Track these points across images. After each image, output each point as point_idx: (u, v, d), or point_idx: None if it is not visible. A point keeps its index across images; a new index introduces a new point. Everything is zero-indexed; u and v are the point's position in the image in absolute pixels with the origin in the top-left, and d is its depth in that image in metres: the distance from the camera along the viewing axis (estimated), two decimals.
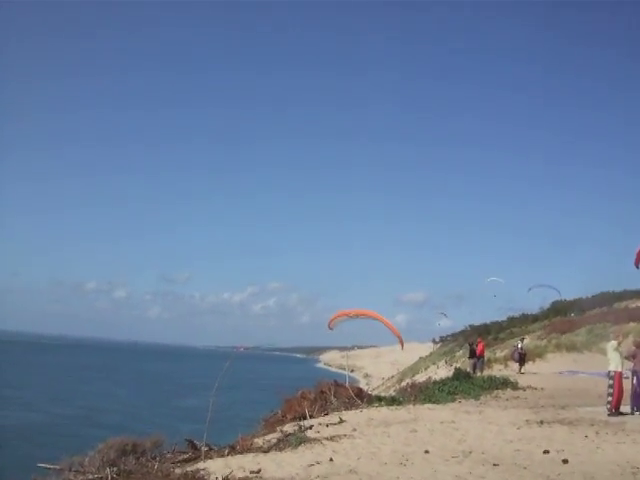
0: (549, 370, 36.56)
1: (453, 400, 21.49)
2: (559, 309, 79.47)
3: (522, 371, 33.70)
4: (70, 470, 9.03)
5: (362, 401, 22.36)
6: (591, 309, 67.70)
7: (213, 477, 9.65)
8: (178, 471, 9.96)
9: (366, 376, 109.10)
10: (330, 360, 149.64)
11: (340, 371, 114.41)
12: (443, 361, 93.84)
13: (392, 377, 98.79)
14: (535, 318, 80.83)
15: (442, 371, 79.77)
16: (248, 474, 10.42)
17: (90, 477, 8.64)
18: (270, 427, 19.19)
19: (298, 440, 13.73)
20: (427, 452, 11.83)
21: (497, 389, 24.68)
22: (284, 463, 11.77)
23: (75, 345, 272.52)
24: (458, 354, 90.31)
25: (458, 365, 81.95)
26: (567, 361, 41.46)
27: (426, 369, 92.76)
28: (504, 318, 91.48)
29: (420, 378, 75.05)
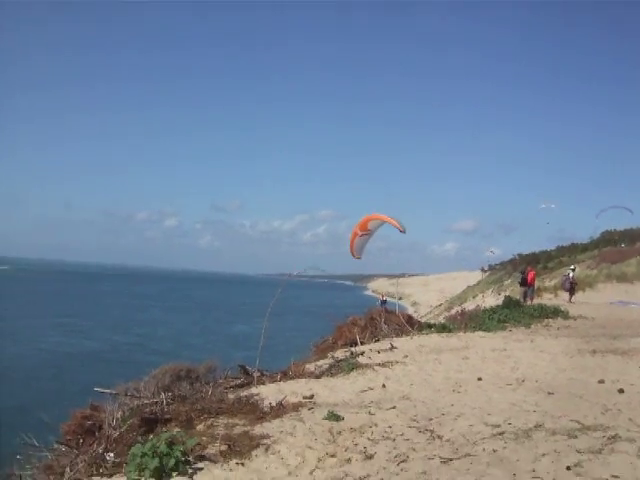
0: (599, 300, 36.11)
1: (504, 328, 21.37)
2: (609, 239, 78.01)
3: (572, 300, 33.32)
4: (126, 394, 9.26)
5: (412, 328, 22.45)
6: None
7: (267, 402, 9.81)
8: (231, 396, 10.14)
9: (414, 304, 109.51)
10: (378, 287, 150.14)
11: (388, 299, 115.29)
12: (491, 290, 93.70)
13: (440, 305, 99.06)
14: (584, 248, 79.64)
15: (490, 299, 79.73)
16: (301, 399, 10.59)
17: (145, 401, 8.85)
18: (321, 353, 19.48)
19: (350, 366, 13.89)
20: (480, 379, 11.84)
21: (548, 318, 24.44)
22: (337, 389, 11.95)
23: (129, 274, 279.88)
24: (506, 283, 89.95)
25: (507, 294, 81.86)
26: (618, 291, 40.90)
27: (474, 297, 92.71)
28: (553, 247, 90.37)
29: (468, 306, 75.35)
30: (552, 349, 15.88)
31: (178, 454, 6.72)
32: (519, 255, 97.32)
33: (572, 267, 37.20)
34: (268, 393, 11.20)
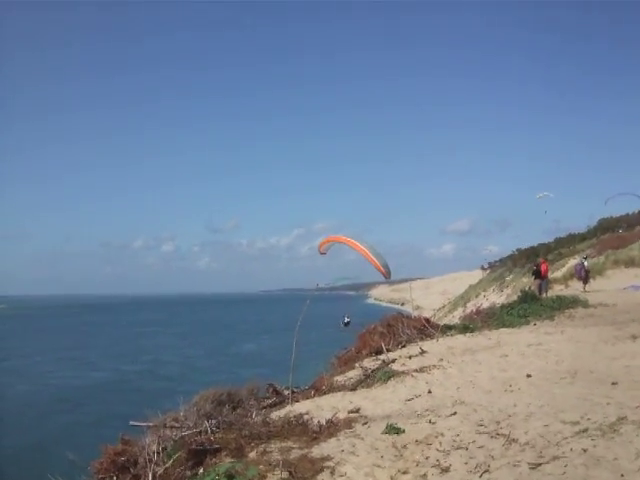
0: (611, 287, 35.51)
1: (527, 323, 20.78)
2: (607, 226, 78.00)
3: (587, 289, 32.72)
4: (165, 426, 8.56)
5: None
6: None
7: (315, 420, 9.13)
8: (275, 417, 9.47)
9: (417, 308, 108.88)
10: (380, 295, 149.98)
11: (391, 305, 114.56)
12: (493, 287, 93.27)
13: (443, 307, 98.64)
14: (583, 237, 79.58)
15: (493, 296, 79.35)
16: (347, 414, 9.93)
17: (187, 432, 8.15)
18: (345, 365, 18.81)
19: (386, 375, 13.23)
20: (529, 376, 11.21)
21: (568, 308, 23.82)
22: (379, 399, 11.29)
23: (129, 303, 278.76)
24: (508, 279, 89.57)
25: (508, 290, 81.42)
26: (628, 277, 40.25)
27: (477, 296, 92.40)
28: (551, 239, 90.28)
29: (471, 306, 74.75)
30: (587, 338, 15.30)
31: None
32: (518, 250, 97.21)
33: (584, 256, 36.65)
34: (307, 410, 10.56)
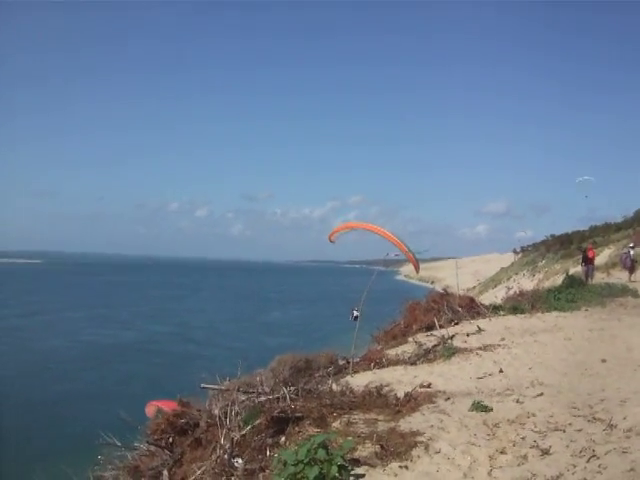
0: None
1: (578, 308, 20.21)
2: None
3: (632, 279, 31.81)
4: (239, 390, 8.23)
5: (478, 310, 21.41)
6: None
7: (392, 393, 8.77)
8: (357, 388, 9.07)
9: (447, 287, 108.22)
10: (410, 272, 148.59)
11: (421, 283, 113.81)
12: (525, 271, 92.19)
13: (474, 288, 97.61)
14: (618, 227, 78.12)
15: (524, 281, 78.35)
16: (420, 389, 9.56)
17: (263, 398, 7.83)
18: (393, 339, 18.49)
19: (449, 351, 12.86)
20: (604, 361, 10.78)
21: (617, 297, 23.19)
22: (447, 375, 10.94)
23: (161, 265, 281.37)
24: (540, 264, 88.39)
25: (541, 275, 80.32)
26: None
27: (508, 279, 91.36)
28: (586, 227, 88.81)
29: (501, 289, 73.86)
30: None
31: (339, 460, 5.72)
32: (552, 236, 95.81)
33: (631, 244, 35.60)
34: (369, 382, 10.21)
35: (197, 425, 9.61)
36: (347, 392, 8.32)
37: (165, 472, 8.87)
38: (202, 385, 9.02)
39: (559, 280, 52.79)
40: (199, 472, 7.11)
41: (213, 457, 7.19)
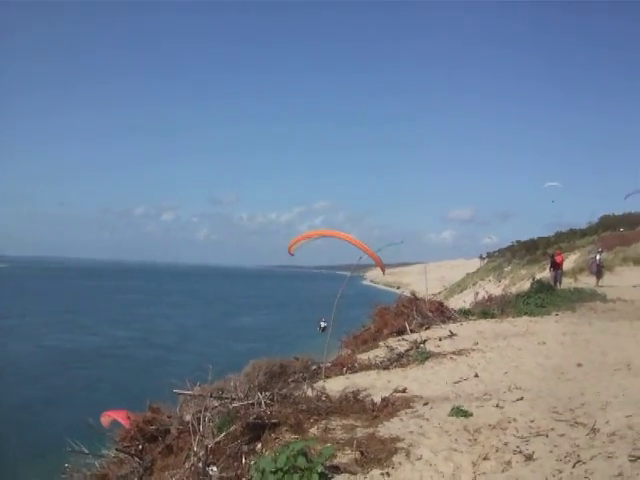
0: (621, 283, 35.03)
1: (548, 313, 20.25)
2: (608, 224, 77.55)
3: (600, 284, 32.16)
4: (211, 396, 7.95)
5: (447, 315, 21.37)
6: None
7: (369, 399, 8.57)
8: (335, 393, 8.84)
9: (414, 292, 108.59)
10: (376, 277, 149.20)
11: (387, 288, 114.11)
12: (491, 276, 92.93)
13: (439, 293, 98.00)
14: (583, 233, 79.14)
15: (490, 286, 78.87)
16: (394, 394, 9.37)
17: (237, 404, 7.56)
18: (364, 343, 18.31)
19: (423, 356, 12.71)
20: (580, 365, 10.72)
21: (587, 301, 23.33)
22: (422, 380, 10.79)
23: (127, 270, 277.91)
24: (506, 270, 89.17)
25: (507, 281, 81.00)
26: (638, 274, 39.80)
27: (474, 285, 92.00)
28: (551, 233, 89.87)
29: (469, 294, 74.31)
30: (621, 331, 14.82)
31: (320, 468, 5.50)
32: (517, 242, 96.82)
33: (599, 250, 36.02)
34: (342, 387, 10.00)
35: (168, 432, 9.30)
36: (323, 397, 8.09)
37: None
38: (174, 390, 8.70)
39: (525, 285, 53.27)
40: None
41: (187, 465, 6.91)
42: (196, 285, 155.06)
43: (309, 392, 8.21)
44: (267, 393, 7.58)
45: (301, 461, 5.46)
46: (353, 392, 8.30)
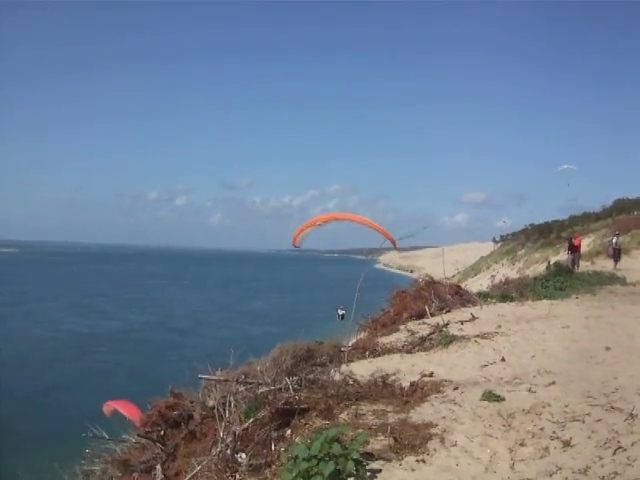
0: (639, 267, 34.63)
1: (568, 296, 19.94)
2: (622, 207, 76.74)
3: (617, 267, 31.73)
4: (238, 381, 7.80)
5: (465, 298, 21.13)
6: None
7: (398, 384, 8.41)
8: (360, 377, 8.68)
9: (430, 276, 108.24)
10: (389, 261, 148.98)
11: (400, 272, 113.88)
12: (505, 260, 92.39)
13: (453, 276, 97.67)
14: (598, 217, 78.29)
15: (504, 270, 78.42)
16: (422, 378, 9.21)
17: (265, 389, 7.41)
18: (383, 327, 18.15)
19: (447, 339, 12.54)
20: (609, 349, 10.49)
21: (606, 285, 22.99)
22: (448, 364, 10.62)
23: (140, 254, 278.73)
24: (520, 253, 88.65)
25: (520, 264, 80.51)
26: None
27: (488, 268, 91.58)
28: (565, 217, 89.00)
29: (483, 277, 73.93)
30: None
31: (356, 454, 5.36)
32: (531, 225, 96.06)
33: (616, 233, 35.54)
34: (366, 371, 9.85)
35: (191, 417, 9.20)
36: (350, 382, 7.94)
37: (158, 466, 8.47)
38: (199, 376, 8.56)
39: (539, 269, 52.87)
40: (199, 468, 6.70)
41: (213, 452, 6.79)
42: (210, 269, 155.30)
43: (336, 377, 8.05)
44: (295, 378, 7.42)
45: (336, 448, 5.31)
46: (382, 377, 8.15)
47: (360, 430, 6.24)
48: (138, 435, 9.76)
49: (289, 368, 7.54)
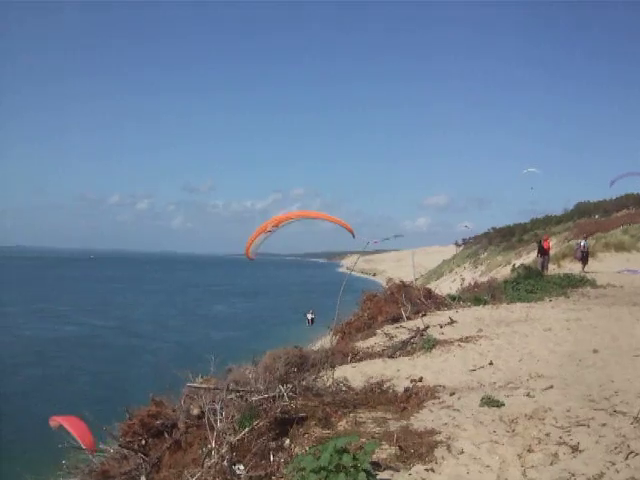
0: (605, 269, 35.09)
1: (541, 299, 20.04)
2: (584, 210, 78.27)
3: (585, 270, 32.11)
4: (228, 389, 7.49)
5: (436, 302, 21.13)
6: (616, 211, 66.37)
7: (392, 390, 8.21)
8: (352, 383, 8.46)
9: (389, 280, 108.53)
10: (351, 264, 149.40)
11: (363, 275, 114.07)
12: (467, 263, 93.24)
13: (416, 280, 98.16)
14: (559, 220, 79.71)
15: (467, 273, 79.14)
16: (410, 384, 9.03)
17: (257, 397, 7.12)
18: (358, 331, 18.00)
19: (429, 343, 12.39)
20: (596, 351, 10.45)
21: (577, 287, 23.20)
22: (435, 368, 10.48)
23: (100, 258, 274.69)
24: (482, 256, 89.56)
25: (483, 267, 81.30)
26: (619, 260, 39.93)
27: (450, 271, 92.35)
28: (527, 220, 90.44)
29: (445, 280, 74.44)
30: (622, 316, 14.59)
31: (367, 465, 5.11)
32: (493, 228, 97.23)
33: (585, 236, 36.05)
34: (351, 376, 9.63)
35: (174, 426, 8.86)
36: (344, 389, 7.70)
37: (143, 478, 8.12)
38: (188, 384, 8.21)
39: (502, 272, 53.47)
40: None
41: (207, 463, 6.46)
42: (171, 274, 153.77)
43: (328, 383, 7.80)
44: (289, 385, 7.14)
45: (347, 459, 5.06)
46: (377, 383, 7.93)
47: (363, 439, 6.01)
48: (119, 445, 9.38)
49: (282, 375, 7.25)
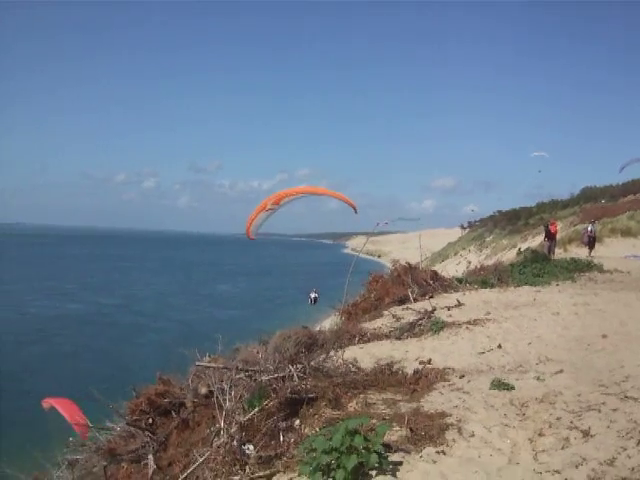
0: (611, 255, 34.97)
1: (548, 283, 19.93)
2: (589, 195, 77.91)
3: (592, 255, 31.95)
4: (237, 369, 7.47)
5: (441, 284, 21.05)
6: (623, 196, 65.98)
7: (401, 371, 8.19)
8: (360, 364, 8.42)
9: (395, 261, 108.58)
10: (357, 246, 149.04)
11: (368, 257, 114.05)
12: (472, 246, 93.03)
13: (420, 262, 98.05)
14: (565, 204, 79.39)
15: (472, 256, 79.00)
16: (419, 366, 9.01)
17: (267, 377, 7.09)
18: (365, 312, 17.98)
19: (437, 325, 12.36)
20: (605, 336, 10.40)
21: (584, 272, 23.07)
22: (443, 351, 10.46)
23: (106, 236, 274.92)
24: (488, 239, 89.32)
25: (488, 251, 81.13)
26: (626, 246, 39.82)
27: (455, 254, 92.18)
28: (533, 204, 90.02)
29: (450, 263, 74.26)
30: (631, 302, 14.53)
31: (379, 448, 5.10)
32: (499, 212, 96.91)
33: (592, 220, 35.85)
34: (360, 357, 9.61)
35: (182, 405, 8.87)
36: (354, 370, 7.69)
37: (151, 456, 8.13)
38: (197, 363, 8.21)
39: (508, 255, 53.26)
40: (202, 460, 6.36)
41: (216, 443, 6.46)
42: (176, 253, 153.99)
43: (338, 364, 7.79)
44: (299, 365, 7.12)
45: (359, 440, 5.05)
46: (388, 364, 7.91)
47: (374, 421, 6.00)
48: (127, 423, 9.40)
49: (292, 355, 7.23)
